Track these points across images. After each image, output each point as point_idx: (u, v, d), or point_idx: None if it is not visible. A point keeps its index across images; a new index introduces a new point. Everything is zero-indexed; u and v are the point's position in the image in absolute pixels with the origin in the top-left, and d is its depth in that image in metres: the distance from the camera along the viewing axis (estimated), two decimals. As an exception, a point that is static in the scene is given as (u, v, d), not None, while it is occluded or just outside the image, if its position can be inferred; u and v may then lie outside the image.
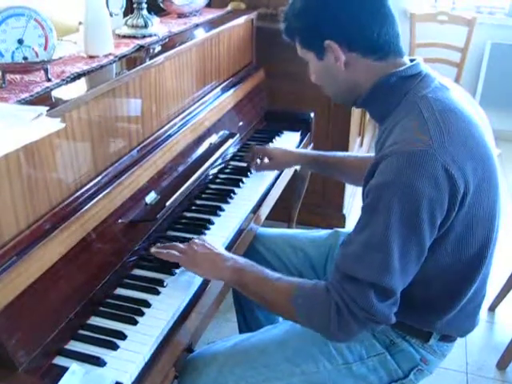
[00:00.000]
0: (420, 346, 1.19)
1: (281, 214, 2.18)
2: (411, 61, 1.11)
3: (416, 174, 0.94)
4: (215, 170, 1.71)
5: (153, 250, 1.25)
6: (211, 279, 1.25)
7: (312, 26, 1.09)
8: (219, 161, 1.72)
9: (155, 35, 1.65)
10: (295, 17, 1.11)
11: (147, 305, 1.14)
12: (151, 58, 1.45)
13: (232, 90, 1.94)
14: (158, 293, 1.18)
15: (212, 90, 1.84)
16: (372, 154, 1.25)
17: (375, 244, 0.98)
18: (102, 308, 1.13)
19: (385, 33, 1.05)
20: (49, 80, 1.21)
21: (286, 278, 1.15)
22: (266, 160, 1.72)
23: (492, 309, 2.26)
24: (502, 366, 1.97)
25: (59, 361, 1.00)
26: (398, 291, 1.01)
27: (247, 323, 1.70)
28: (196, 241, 1.24)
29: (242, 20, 2.05)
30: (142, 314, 1.12)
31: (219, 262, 1.19)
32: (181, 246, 1.24)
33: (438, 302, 1.12)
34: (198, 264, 1.20)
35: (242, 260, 1.20)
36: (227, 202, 1.57)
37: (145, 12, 1.66)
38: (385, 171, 0.98)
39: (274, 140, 1.99)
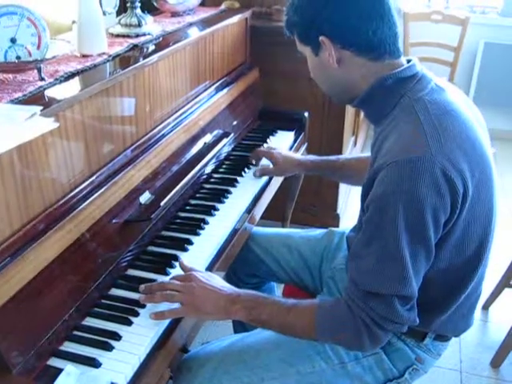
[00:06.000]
0: (415, 346, 1.19)
1: (275, 213, 2.18)
2: (408, 61, 1.10)
3: (416, 182, 0.94)
4: (209, 170, 1.71)
5: (142, 299, 1.13)
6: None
7: (308, 21, 1.08)
8: (213, 160, 1.72)
9: (149, 34, 1.64)
10: (294, 11, 1.11)
11: (142, 305, 1.13)
12: (145, 57, 1.45)
13: (226, 90, 1.94)
14: (152, 293, 1.17)
15: (206, 89, 1.83)
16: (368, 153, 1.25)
17: (388, 257, 0.99)
18: (96, 309, 1.13)
19: (380, 33, 1.04)
20: (42, 79, 1.20)
21: (303, 303, 1.12)
22: (270, 164, 1.69)
23: (486, 307, 2.27)
24: (495, 364, 1.98)
25: (54, 362, 0.99)
26: (416, 293, 1.02)
27: (242, 323, 1.69)
28: (193, 283, 1.13)
29: (235, 19, 2.04)
30: (136, 314, 1.11)
31: (228, 307, 1.12)
32: (172, 282, 1.14)
33: (434, 303, 1.12)
34: (201, 310, 1.12)
35: (248, 296, 1.14)
36: (222, 202, 1.56)
37: (138, 11, 1.66)
38: (384, 181, 0.97)
39: (268, 139, 1.98)
